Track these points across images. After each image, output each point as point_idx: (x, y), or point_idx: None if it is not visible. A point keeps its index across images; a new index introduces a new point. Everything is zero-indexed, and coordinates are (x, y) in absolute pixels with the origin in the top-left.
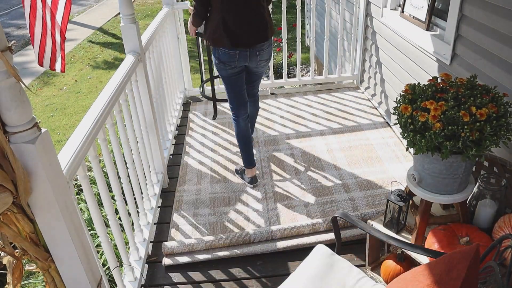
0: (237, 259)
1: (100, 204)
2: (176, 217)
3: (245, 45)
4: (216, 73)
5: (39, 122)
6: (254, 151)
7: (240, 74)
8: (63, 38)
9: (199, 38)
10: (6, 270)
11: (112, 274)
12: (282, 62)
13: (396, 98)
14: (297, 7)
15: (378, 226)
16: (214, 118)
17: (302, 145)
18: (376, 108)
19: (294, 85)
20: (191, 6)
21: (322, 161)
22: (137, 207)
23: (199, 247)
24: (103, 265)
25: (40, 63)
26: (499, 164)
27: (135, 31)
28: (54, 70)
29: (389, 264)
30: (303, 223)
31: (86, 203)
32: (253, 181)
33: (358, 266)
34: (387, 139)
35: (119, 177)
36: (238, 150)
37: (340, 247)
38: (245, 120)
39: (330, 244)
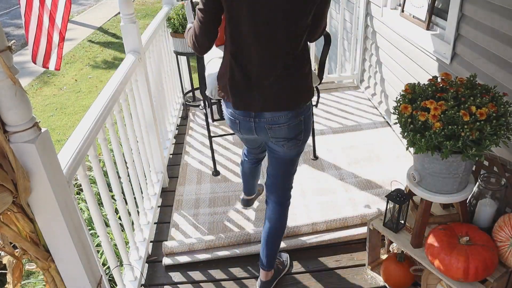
0: (237, 259)
1: (100, 203)
2: (176, 217)
3: (246, 108)
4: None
5: (39, 121)
6: None
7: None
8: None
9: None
10: (6, 270)
11: (112, 274)
12: None
13: (396, 97)
14: None
15: (378, 226)
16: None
17: None
18: (376, 108)
19: None
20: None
21: (322, 161)
22: (137, 206)
23: (199, 246)
24: (103, 264)
25: (34, 61)
26: (499, 164)
27: (135, 30)
28: (48, 68)
29: (389, 264)
30: (303, 223)
31: (86, 202)
32: (243, 203)
33: (358, 266)
34: (387, 139)
35: (119, 177)
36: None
37: None
38: (251, 164)
39: (330, 244)
